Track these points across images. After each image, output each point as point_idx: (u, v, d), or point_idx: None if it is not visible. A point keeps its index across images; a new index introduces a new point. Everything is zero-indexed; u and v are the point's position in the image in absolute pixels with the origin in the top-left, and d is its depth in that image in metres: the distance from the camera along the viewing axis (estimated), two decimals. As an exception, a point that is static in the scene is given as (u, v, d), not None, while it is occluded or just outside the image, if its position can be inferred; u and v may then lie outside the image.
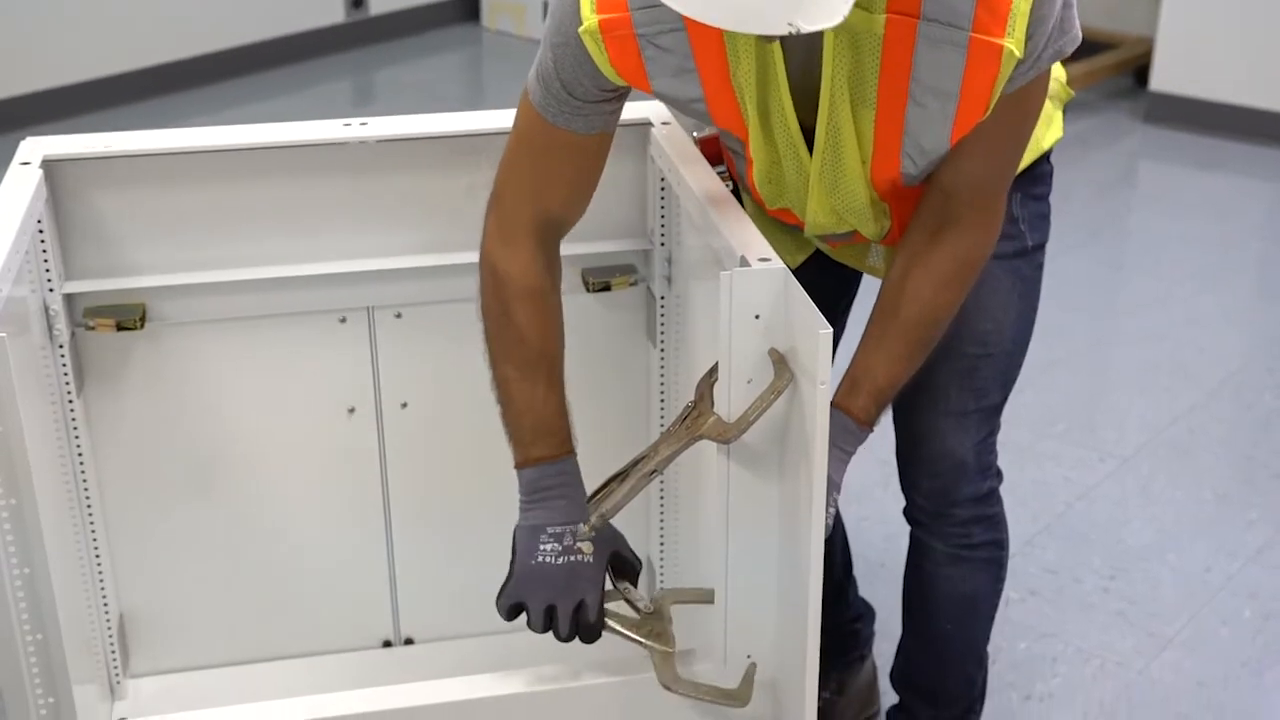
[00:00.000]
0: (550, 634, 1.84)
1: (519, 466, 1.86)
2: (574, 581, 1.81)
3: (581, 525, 1.81)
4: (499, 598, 1.86)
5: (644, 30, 1.70)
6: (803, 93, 1.75)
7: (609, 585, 1.87)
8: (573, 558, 1.81)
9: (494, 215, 1.87)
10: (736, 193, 2.03)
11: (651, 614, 1.87)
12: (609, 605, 1.86)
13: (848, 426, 1.81)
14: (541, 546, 1.81)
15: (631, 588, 1.89)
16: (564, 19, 1.73)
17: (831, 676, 2.53)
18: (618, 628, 1.84)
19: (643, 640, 1.84)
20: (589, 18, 1.69)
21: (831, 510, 1.80)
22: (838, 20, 1.46)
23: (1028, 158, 1.96)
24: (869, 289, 2.20)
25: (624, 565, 1.88)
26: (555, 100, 1.78)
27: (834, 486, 1.80)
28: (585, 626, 1.82)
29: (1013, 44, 1.62)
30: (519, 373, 1.87)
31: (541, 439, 1.85)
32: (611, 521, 1.81)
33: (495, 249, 1.86)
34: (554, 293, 1.89)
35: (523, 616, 1.85)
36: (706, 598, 1.93)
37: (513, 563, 1.85)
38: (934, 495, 2.15)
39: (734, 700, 1.83)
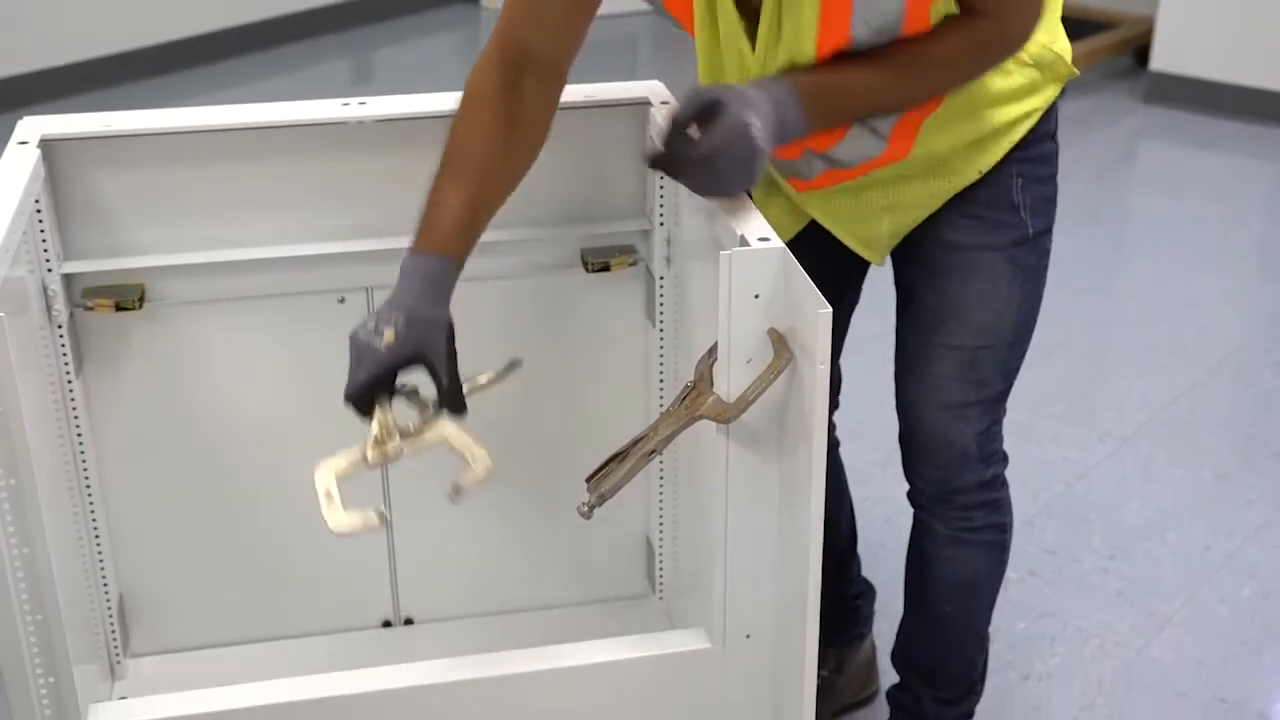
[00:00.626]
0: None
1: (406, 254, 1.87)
2: (361, 360, 1.81)
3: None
4: None
5: None
6: None
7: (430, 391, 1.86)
8: (373, 341, 1.80)
9: (484, 48, 1.89)
10: None
11: (419, 431, 1.86)
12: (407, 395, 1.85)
13: (785, 89, 1.76)
14: (365, 321, 1.82)
15: (421, 396, 1.86)
16: None
17: (830, 654, 2.53)
18: (377, 416, 1.83)
19: (372, 436, 1.83)
20: None
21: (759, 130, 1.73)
22: None
23: (1022, 127, 1.95)
24: (874, 281, 2.20)
25: (433, 376, 1.85)
26: None
27: (752, 125, 1.72)
28: (345, 397, 1.83)
29: None
30: (443, 172, 1.86)
31: (427, 233, 1.85)
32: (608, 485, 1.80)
33: (472, 71, 1.88)
34: (506, 109, 1.86)
35: None
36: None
37: None
38: (936, 483, 2.15)
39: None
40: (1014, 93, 1.94)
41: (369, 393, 1.81)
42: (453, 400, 1.85)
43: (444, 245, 1.83)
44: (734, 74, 1.85)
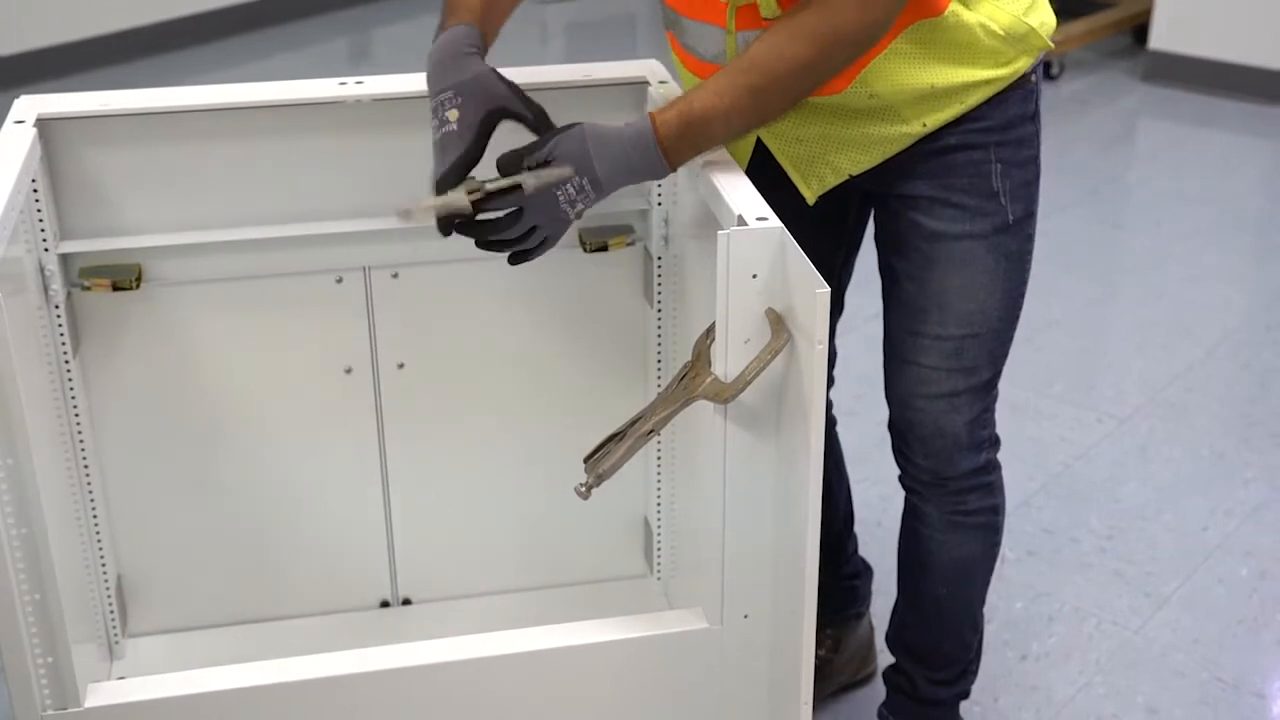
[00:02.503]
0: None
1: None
2: (444, 150, 1.84)
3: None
4: None
5: None
6: None
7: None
8: (444, 128, 1.83)
9: None
10: None
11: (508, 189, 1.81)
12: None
13: (643, 131, 1.78)
14: (432, 122, 1.85)
15: (518, 169, 1.82)
16: None
17: (828, 633, 2.53)
18: (471, 187, 1.81)
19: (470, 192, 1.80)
20: None
21: (577, 204, 1.79)
22: None
23: (980, 92, 1.93)
24: (872, 262, 2.20)
25: (518, 117, 1.86)
26: None
27: (596, 184, 1.78)
28: (437, 181, 1.84)
29: None
30: None
31: (448, 16, 1.91)
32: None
33: None
34: None
35: None
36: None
37: None
38: (928, 471, 2.15)
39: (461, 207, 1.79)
40: (973, 56, 1.91)
41: (464, 169, 1.82)
42: (545, 123, 1.86)
43: (458, 18, 1.89)
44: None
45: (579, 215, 1.83)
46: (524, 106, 1.85)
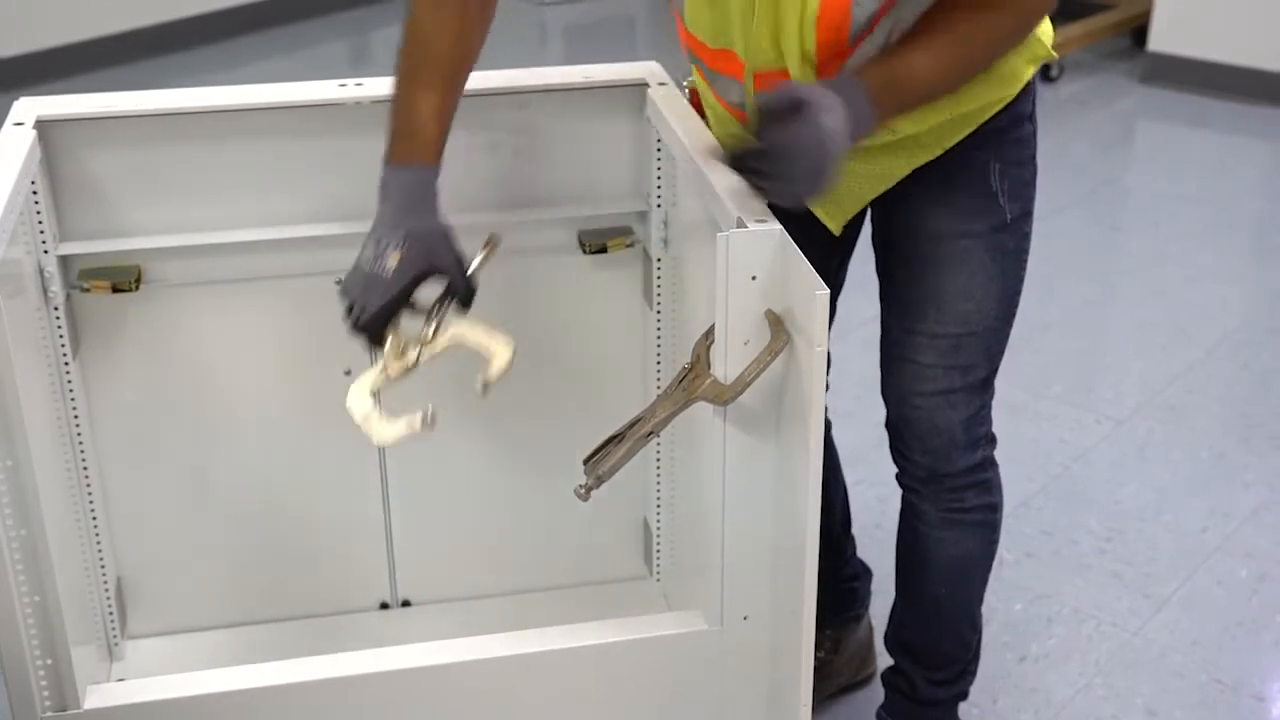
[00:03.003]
0: None
1: (384, 163, 1.87)
2: (370, 287, 1.83)
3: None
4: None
5: None
6: None
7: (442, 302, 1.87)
8: (378, 266, 1.82)
9: None
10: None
11: (432, 339, 1.87)
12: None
13: (857, 86, 1.74)
14: (364, 250, 1.84)
15: (440, 309, 1.86)
16: None
17: (827, 635, 2.53)
18: (390, 338, 1.85)
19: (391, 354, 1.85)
20: None
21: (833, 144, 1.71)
22: None
23: (995, 107, 1.94)
24: (870, 265, 2.20)
25: (445, 280, 1.86)
26: None
27: (835, 136, 1.71)
28: (359, 327, 1.85)
29: None
30: (410, 74, 1.87)
31: (405, 142, 1.86)
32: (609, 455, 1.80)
33: None
34: (467, 2, 1.88)
35: None
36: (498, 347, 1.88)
37: None
38: (925, 468, 2.15)
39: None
40: (992, 78, 1.92)
41: (387, 318, 1.83)
42: (467, 298, 1.87)
43: (424, 155, 1.85)
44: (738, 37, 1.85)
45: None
46: (459, 276, 1.86)
